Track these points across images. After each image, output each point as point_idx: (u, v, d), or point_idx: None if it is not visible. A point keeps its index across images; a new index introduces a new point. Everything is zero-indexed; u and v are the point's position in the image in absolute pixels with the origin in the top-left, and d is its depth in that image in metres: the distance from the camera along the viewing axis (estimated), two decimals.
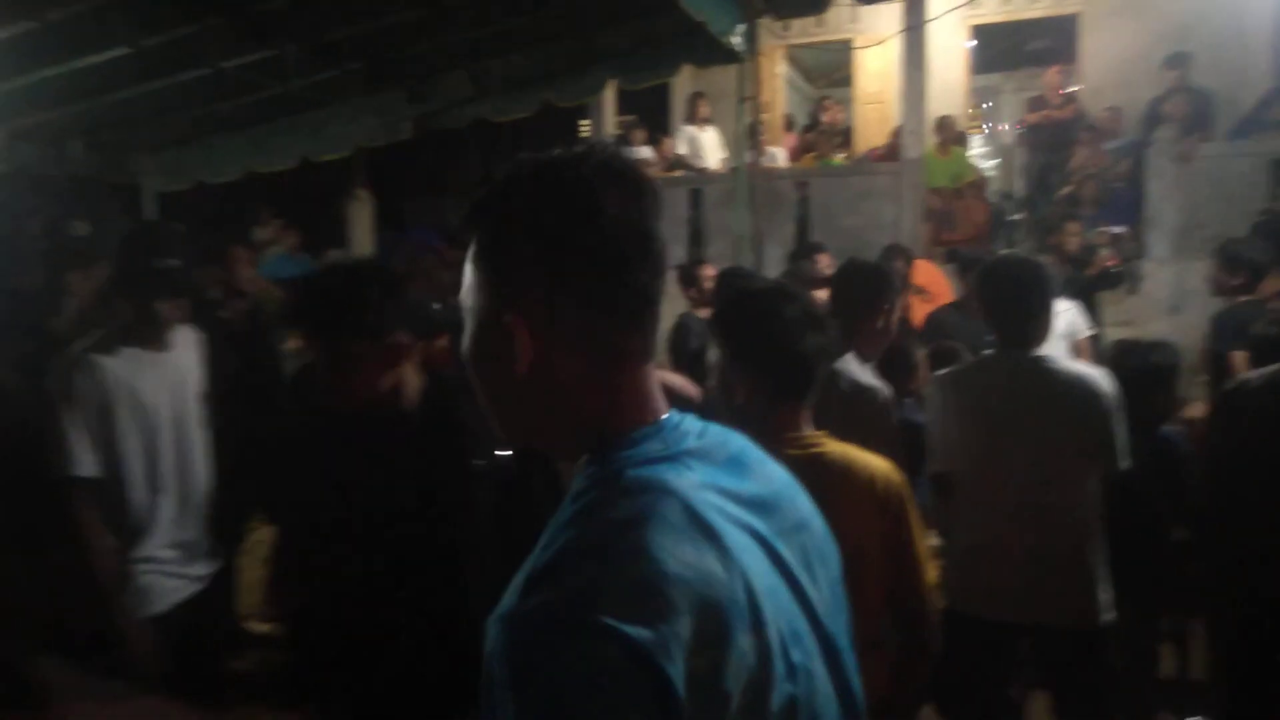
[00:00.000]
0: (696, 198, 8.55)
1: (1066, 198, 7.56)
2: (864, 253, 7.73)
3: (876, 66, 9.88)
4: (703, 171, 8.64)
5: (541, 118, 6.37)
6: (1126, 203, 7.35)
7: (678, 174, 9.10)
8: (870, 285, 2.76)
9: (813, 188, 8.22)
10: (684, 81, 9.31)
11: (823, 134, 8.39)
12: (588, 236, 0.82)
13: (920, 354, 3.42)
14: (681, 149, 8.95)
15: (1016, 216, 9.24)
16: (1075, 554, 2.40)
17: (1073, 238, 5.84)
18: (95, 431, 2.25)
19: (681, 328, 4.37)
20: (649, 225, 0.85)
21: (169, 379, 2.39)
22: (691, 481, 0.81)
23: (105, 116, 5.50)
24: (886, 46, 9.33)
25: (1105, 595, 2.43)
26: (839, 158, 8.72)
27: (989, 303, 2.60)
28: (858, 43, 9.89)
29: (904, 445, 2.42)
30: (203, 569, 2.49)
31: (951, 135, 8.23)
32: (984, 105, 12.70)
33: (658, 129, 9.63)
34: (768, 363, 1.76)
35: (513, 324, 0.83)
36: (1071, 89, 8.67)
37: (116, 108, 5.33)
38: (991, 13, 9.24)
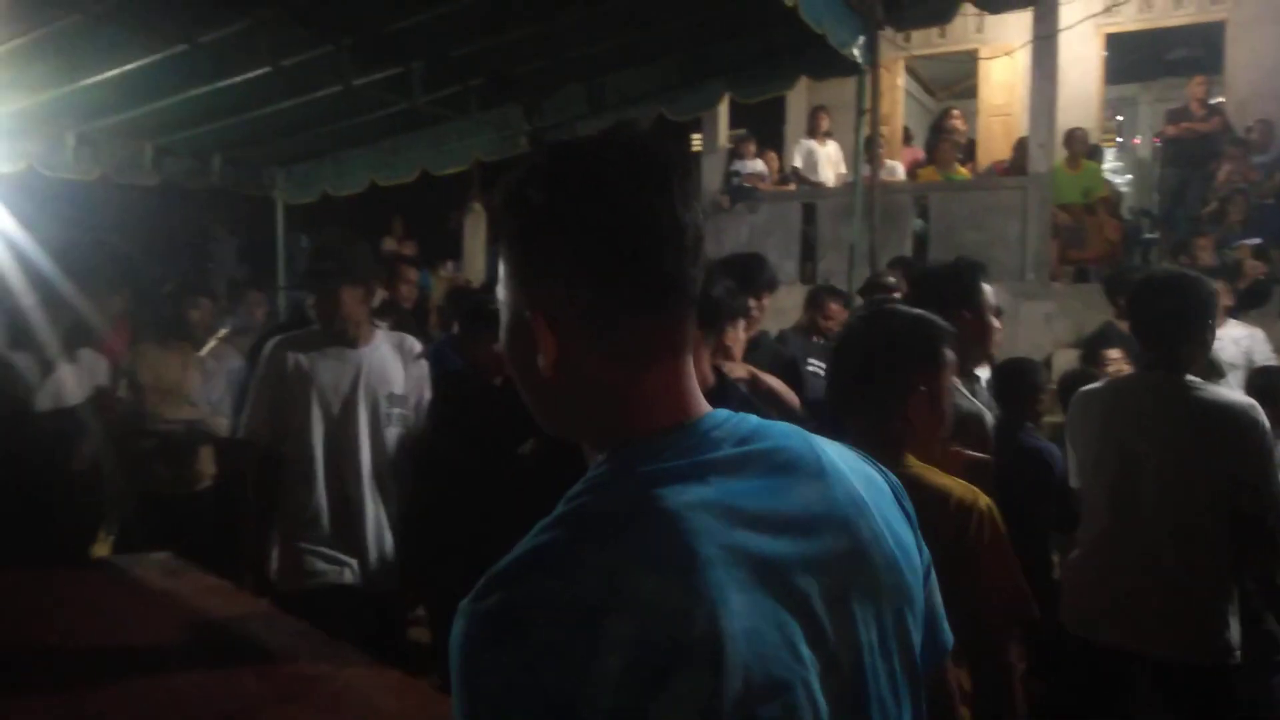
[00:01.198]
0: (810, 212, 8.41)
1: (1210, 215, 7.09)
2: (990, 272, 7.45)
3: (1002, 77, 9.53)
4: (818, 185, 8.51)
5: (653, 132, 6.38)
6: (1277, 220, 6.84)
7: (790, 188, 8.99)
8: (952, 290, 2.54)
9: (933, 202, 7.97)
10: (798, 95, 9.19)
11: (947, 140, 8.11)
12: (604, 224, 0.77)
13: (1044, 377, 3.28)
14: (797, 162, 8.82)
15: (1152, 235, 8.72)
16: (1205, 587, 2.27)
17: (1204, 252, 5.47)
18: (271, 407, 2.70)
19: (781, 339, 4.28)
20: (676, 211, 0.80)
21: (350, 372, 2.69)
22: (693, 500, 0.74)
23: (243, 133, 5.81)
24: (1014, 57, 9.00)
25: (1234, 633, 2.28)
26: (961, 171, 8.42)
27: (1138, 321, 2.46)
28: (983, 53, 9.56)
29: (1024, 472, 2.33)
30: (367, 555, 2.70)
31: (1083, 148, 7.85)
32: (1118, 117, 12.07)
33: (769, 142, 9.54)
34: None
35: (534, 320, 0.79)
36: (1216, 100, 8.13)
37: (254, 124, 5.63)
38: (1129, 20, 8.76)
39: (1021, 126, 8.67)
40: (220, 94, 4.89)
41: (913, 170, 8.75)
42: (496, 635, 0.69)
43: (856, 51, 5.28)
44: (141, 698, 1.80)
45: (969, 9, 6.56)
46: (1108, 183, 8.20)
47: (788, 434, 0.85)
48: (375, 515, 2.70)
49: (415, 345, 2.88)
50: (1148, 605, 2.27)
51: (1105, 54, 9.12)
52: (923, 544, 0.92)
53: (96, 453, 2.97)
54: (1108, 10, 8.23)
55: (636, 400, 0.80)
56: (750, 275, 3.08)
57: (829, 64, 5.47)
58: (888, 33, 5.90)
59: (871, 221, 6.10)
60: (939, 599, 0.96)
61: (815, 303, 4.45)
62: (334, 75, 4.87)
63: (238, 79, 4.70)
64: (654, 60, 5.84)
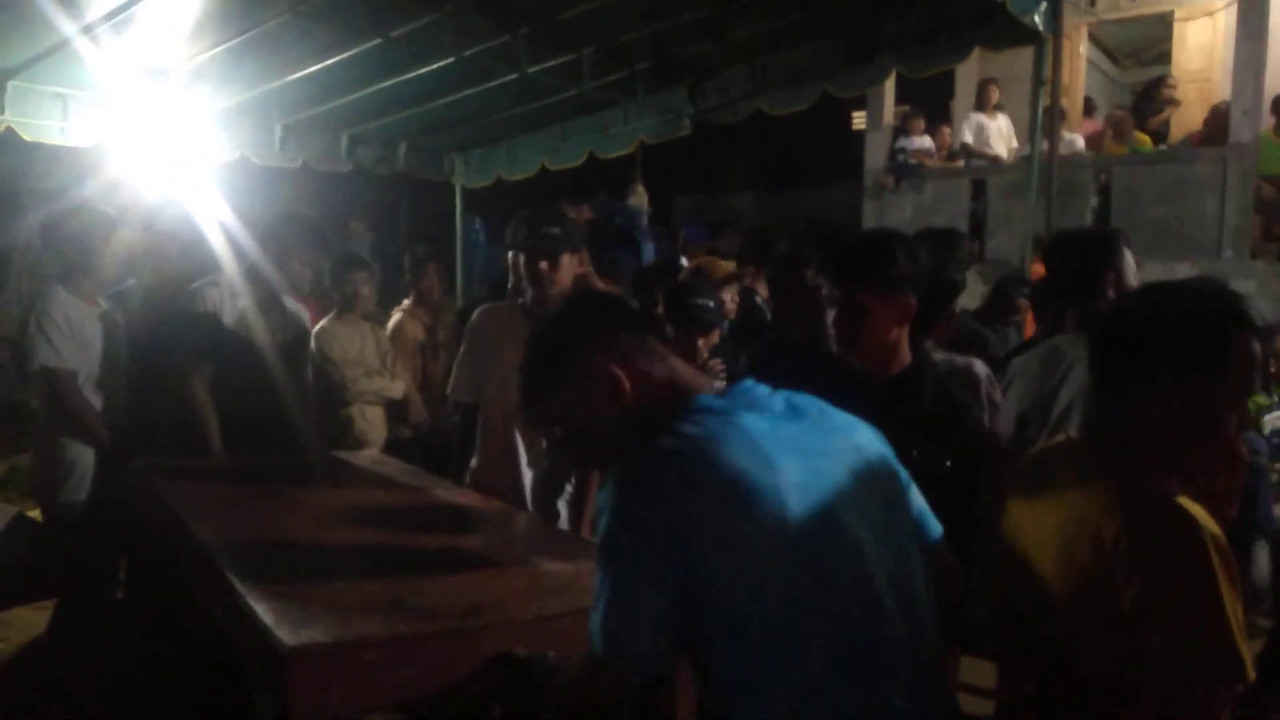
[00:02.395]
0: (980, 188, 8.08)
1: None
2: (1178, 249, 6.95)
3: (1200, 40, 8.80)
4: (995, 160, 8.15)
5: (812, 111, 6.30)
6: None
7: (959, 164, 8.66)
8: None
9: (1117, 177, 7.48)
10: (967, 68, 8.81)
11: (1154, 103, 7.53)
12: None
13: None
14: (966, 137, 8.48)
15: None
16: None
17: None
18: (472, 371, 3.00)
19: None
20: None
21: None
22: (750, 421, 1.24)
23: (426, 121, 6.18)
24: (1214, 17, 8.28)
25: None
26: (1143, 140, 7.85)
27: None
28: (1179, 15, 8.84)
29: None
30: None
31: None
32: None
33: (937, 117, 9.21)
34: None
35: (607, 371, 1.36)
36: None
37: (436, 113, 5.98)
38: None
39: (1220, 93, 7.98)
40: (407, 85, 5.24)
41: (1094, 143, 8.23)
42: (626, 494, 1.20)
43: (1037, 18, 5.03)
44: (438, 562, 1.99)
45: None
46: None
47: (792, 391, 1.35)
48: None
49: None
50: None
51: None
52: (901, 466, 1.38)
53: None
54: None
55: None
56: (949, 249, 3.01)
57: (1006, 33, 5.23)
58: None
59: (1049, 197, 5.80)
60: (921, 500, 1.40)
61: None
62: (509, 64, 5.11)
63: (424, 70, 5.02)
64: (819, 38, 5.77)
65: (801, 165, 13.71)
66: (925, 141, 8.72)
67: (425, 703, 1.50)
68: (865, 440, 1.32)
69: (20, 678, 3.46)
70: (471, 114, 6.14)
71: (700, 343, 2.75)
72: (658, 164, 9.89)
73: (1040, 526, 1.44)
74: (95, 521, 3.28)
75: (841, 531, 1.17)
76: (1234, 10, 7.27)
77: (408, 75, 5.09)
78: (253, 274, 3.48)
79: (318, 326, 4.33)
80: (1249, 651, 1.28)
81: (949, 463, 1.88)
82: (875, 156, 8.94)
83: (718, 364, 2.86)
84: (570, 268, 2.79)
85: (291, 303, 3.70)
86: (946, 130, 8.87)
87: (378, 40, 4.56)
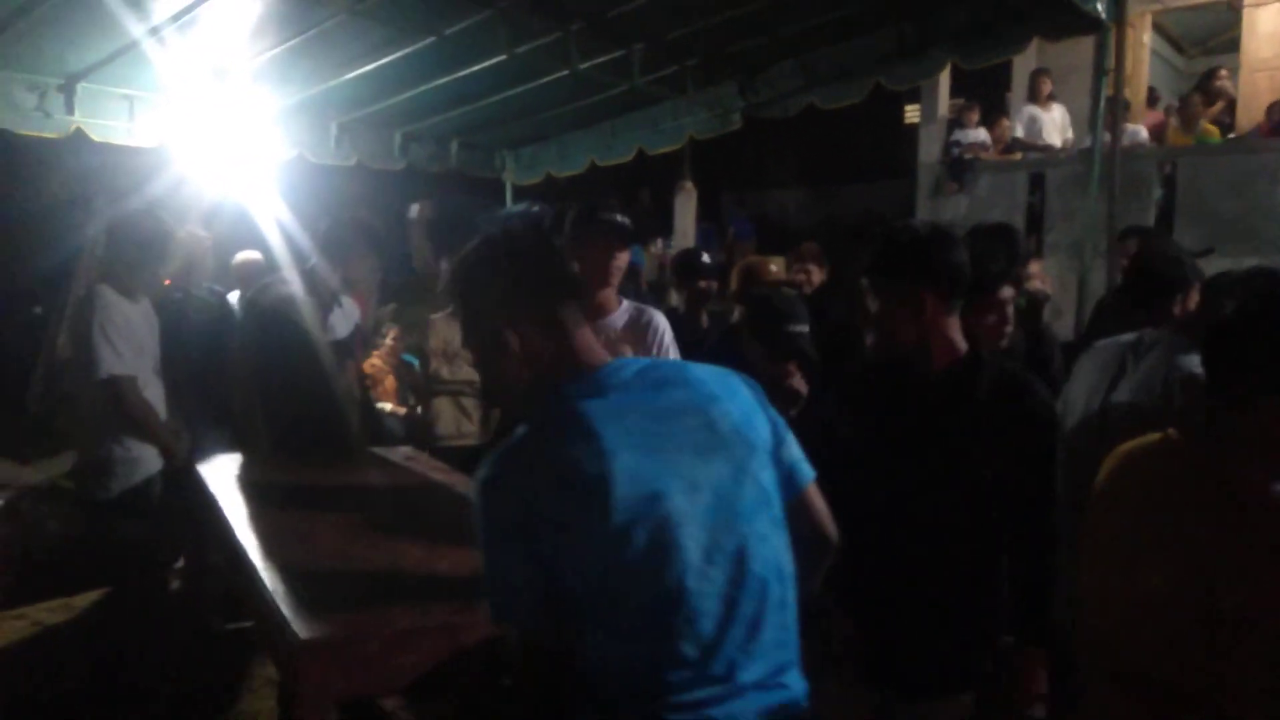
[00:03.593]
0: (1037, 181, 7.91)
1: None
2: (1246, 242, 6.72)
3: (1271, 27, 8.49)
4: (1047, 150, 7.97)
5: (863, 105, 6.22)
6: None
7: (1016, 156, 8.49)
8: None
9: (1182, 169, 7.26)
10: (1025, 58, 8.62)
11: (1192, 101, 7.35)
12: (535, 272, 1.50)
13: None
14: (1018, 131, 8.31)
15: None
16: None
17: None
18: None
19: None
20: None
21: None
22: (596, 404, 1.35)
23: (478, 119, 6.24)
24: None
25: None
26: (1210, 131, 7.60)
27: None
28: (1249, 1, 8.54)
29: None
30: None
31: None
32: None
33: (994, 109, 9.02)
34: None
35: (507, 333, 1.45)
36: None
37: (487, 111, 6.03)
38: None
39: None
40: (460, 83, 5.29)
41: (1157, 134, 8.00)
42: (484, 490, 1.32)
43: (1100, 6, 4.90)
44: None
45: None
46: None
47: (663, 364, 1.50)
48: None
49: (656, 319, 2.83)
50: None
51: None
52: (774, 420, 1.47)
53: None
54: None
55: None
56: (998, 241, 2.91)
57: (1067, 22, 5.11)
58: None
59: (1111, 190, 5.65)
60: (792, 445, 1.49)
61: None
62: (561, 60, 5.13)
63: (476, 68, 5.07)
64: (871, 30, 5.69)
65: (852, 161, 13.54)
66: (981, 134, 8.55)
67: (435, 679, 1.70)
68: (721, 412, 1.40)
69: (69, 662, 3.61)
70: (523, 111, 6.18)
71: (791, 367, 2.54)
72: (706, 160, 9.85)
73: (1134, 524, 1.41)
74: (153, 512, 3.39)
75: (665, 511, 1.30)
76: None
77: (460, 73, 5.15)
78: (312, 274, 3.55)
79: (429, 319, 4.46)
80: None
81: (1011, 457, 1.83)
82: (929, 150, 8.79)
83: (799, 382, 2.63)
84: (623, 261, 2.75)
85: (348, 302, 3.79)
86: (1005, 123, 8.69)
87: (431, 39, 4.61)
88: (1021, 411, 1.87)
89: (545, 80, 5.43)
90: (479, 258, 1.46)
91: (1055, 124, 8.24)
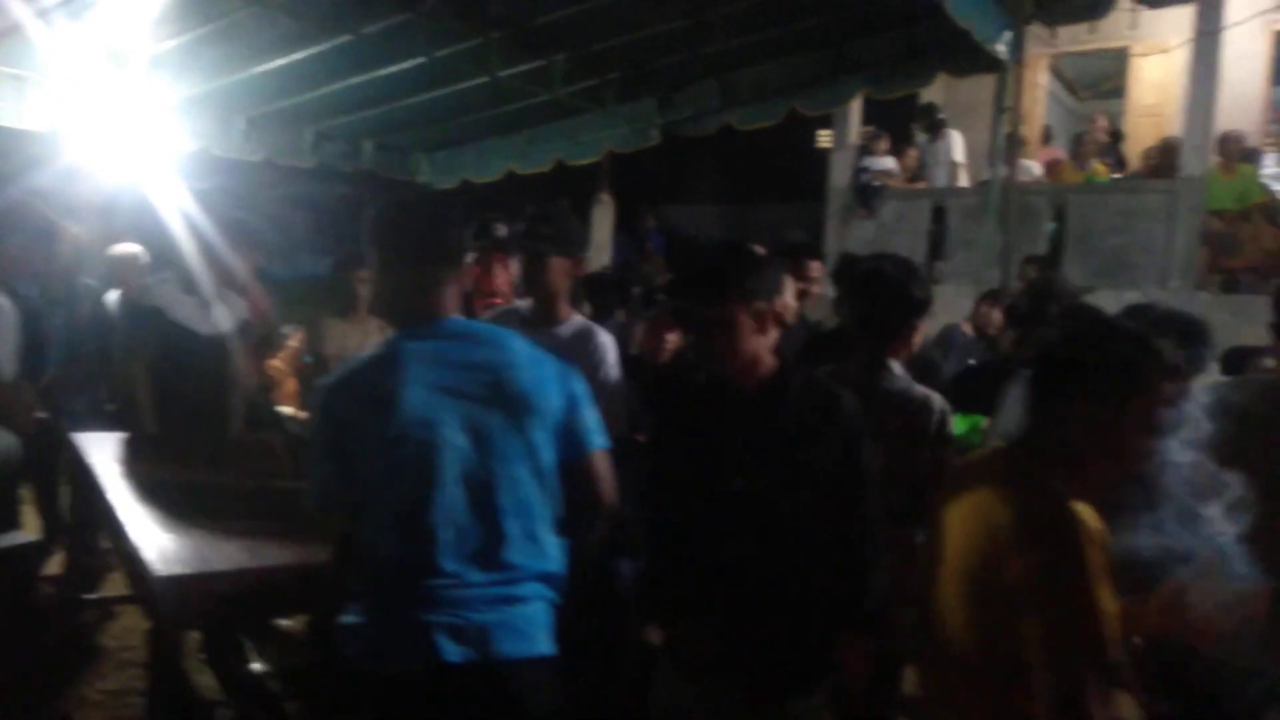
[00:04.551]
0: (940, 211, 8.24)
1: None
2: (1128, 277, 7.13)
3: (1155, 76, 9.08)
4: (955, 174, 8.30)
5: (779, 127, 6.39)
6: None
7: (921, 185, 8.82)
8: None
9: (1072, 204, 7.68)
10: (933, 91, 8.99)
11: (1088, 145, 7.82)
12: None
13: None
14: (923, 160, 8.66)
15: None
16: None
17: None
18: None
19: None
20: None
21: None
22: (414, 345, 1.71)
23: (394, 120, 6.14)
24: (1169, 55, 8.55)
25: None
26: (1100, 170, 8.06)
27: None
28: (1135, 50, 9.11)
29: None
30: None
31: (1238, 152, 7.38)
32: None
33: (902, 139, 9.36)
34: None
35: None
36: None
37: (404, 112, 5.94)
38: None
39: (1173, 128, 8.24)
40: (377, 83, 5.20)
41: (1050, 170, 8.44)
42: (314, 396, 1.74)
43: (1001, 47, 5.16)
44: None
45: (1125, 3, 6.27)
46: (1266, 189, 7.67)
47: (492, 331, 1.85)
48: None
49: (600, 337, 2.79)
50: None
51: (1273, 53, 8.53)
52: (571, 390, 1.80)
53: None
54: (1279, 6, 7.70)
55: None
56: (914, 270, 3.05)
57: (972, 60, 5.36)
58: (1035, 28, 5.73)
59: (1007, 222, 5.93)
60: (584, 420, 1.80)
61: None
62: (481, 67, 5.10)
63: (394, 69, 4.99)
64: (789, 55, 5.85)
65: (767, 181, 13.83)
66: (888, 162, 8.85)
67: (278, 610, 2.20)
68: (513, 377, 1.74)
69: None
70: (440, 115, 6.12)
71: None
72: (625, 174, 9.92)
73: (951, 523, 1.58)
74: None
75: (432, 437, 1.65)
76: (1188, 49, 7.52)
77: (377, 73, 5.06)
78: (198, 268, 3.46)
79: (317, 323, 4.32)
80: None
81: (824, 460, 1.93)
82: (840, 175, 9.05)
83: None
84: (560, 272, 2.69)
85: (230, 296, 3.69)
86: (912, 152, 9.03)
87: (348, 37, 4.52)
88: (829, 418, 1.96)
89: (465, 85, 5.39)
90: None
91: (948, 156, 8.59)
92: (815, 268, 3.45)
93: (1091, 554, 1.41)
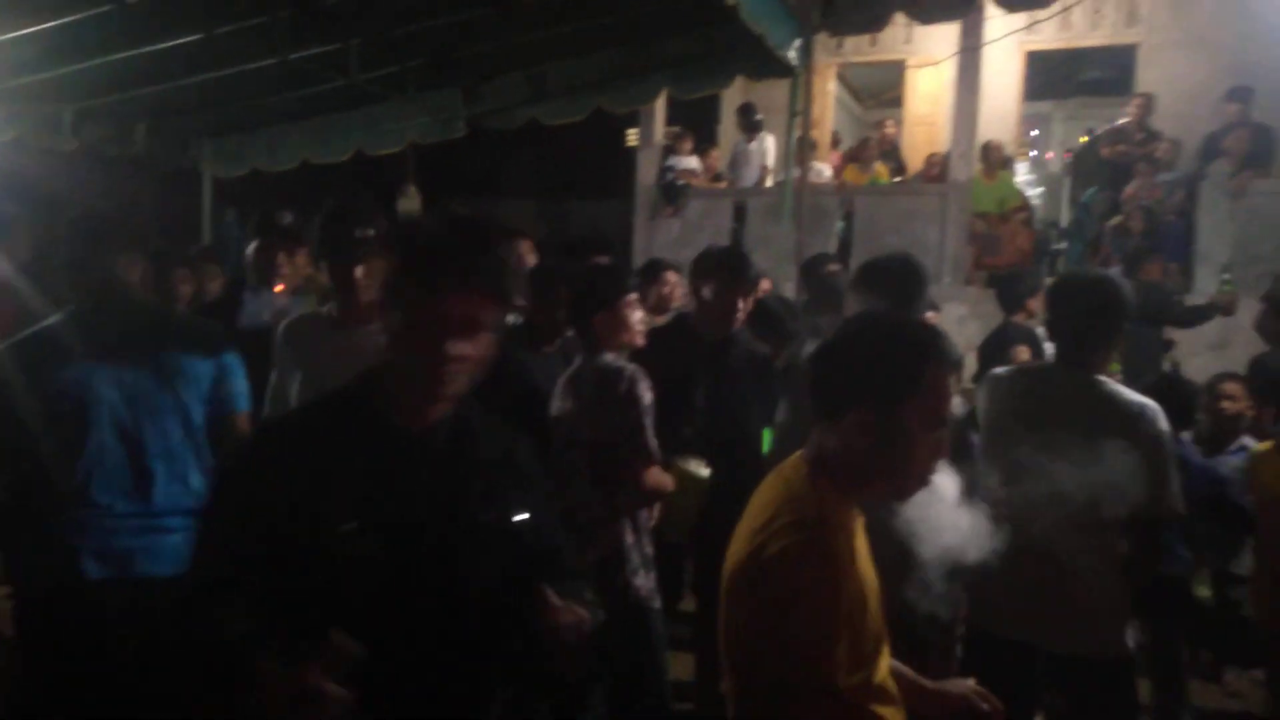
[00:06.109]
0: (741, 210, 8.59)
1: (1115, 228, 7.49)
2: None
3: (928, 88, 9.88)
4: (765, 175, 8.66)
5: (588, 124, 6.43)
6: (1177, 236, 7.27)
7: (723, 185, 9.15)
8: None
9: (859, 206, 8.22)
10: (733, 93, 9.35)
11: (868, 148, 8.42)
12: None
13: None
14: (729, 161, 8.98)
15: (1060, 245, 9.17)
16: (1101, 581, 2.31)
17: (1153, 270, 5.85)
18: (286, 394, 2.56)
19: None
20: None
21: (352, 352, 2.19)
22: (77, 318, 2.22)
23: (170, 101, 5.64)
24: (939, 68, 9.33)
25: (1128, 627, 2.40)
26: (881, 172, 8.70)
27: (1054, 319, 2.55)
28: (910, 63, 9.88)
29: None
30: None
31: (998, 160, 8.18)
32: (1033, 132, 12.60)
33: (705, 139, 9.68)
34: None
35: None
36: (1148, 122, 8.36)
37: (182, 93, 5.47)
38: (1049, 39, 9.18)
39: (945, 136, 9.00)
40: (147, 59, 4.74)
41: (838, 173, 9.00)
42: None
43: (792, 54, 5.43)
44: None
45: (901, 19, 6.78)
46: (1021, 194, 8.57)
47: (175, 315, 3.16)
48: None
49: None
50: (1047, 598, 2.28)
51: (1024, 70, 9.53)
52: (223, 366, 2.34)
53: None
54: (1029, 28, 8.59)
55: None
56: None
57: (767, 64, 5.60)
58: (822, 38, 6.08)
59: (800, 222, 6.26)
60: (231, 390, 2.34)
61: None
62: (268, 47, 4.78)
63: (166, 44, 4.58)
64: (596, 52, 5.89)
65: (581, 177, 13.90)
66: (692, 162, 9.12)
67: None
68: (168, 349, 2.24)
69: None
70: (224, 97, 5.69)
71: None
72: (434, 166, 9.65)
73: (736, 533, 1.52)
74: None
75: (88, 394, 2.09)
76: (955, 62, 8.23)
77: (146, 49, 4.62)
78: None
79: None
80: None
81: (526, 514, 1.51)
82: (646, 174, 9.24)
83: None
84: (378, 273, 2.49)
85: None
86: (715, 153, 9.35)
87: (109, 7, 4.09)
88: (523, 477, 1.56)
89: (251, 67, 5.03)
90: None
91: (756, 155, 8.98)
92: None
93: (836, 594, 1.35)
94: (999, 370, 2.66)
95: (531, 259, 3.39)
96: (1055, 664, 2.40)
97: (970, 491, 1.70)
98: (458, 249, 1.38)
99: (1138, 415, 2.32)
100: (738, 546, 1.48)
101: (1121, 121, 8.14)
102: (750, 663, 1.43)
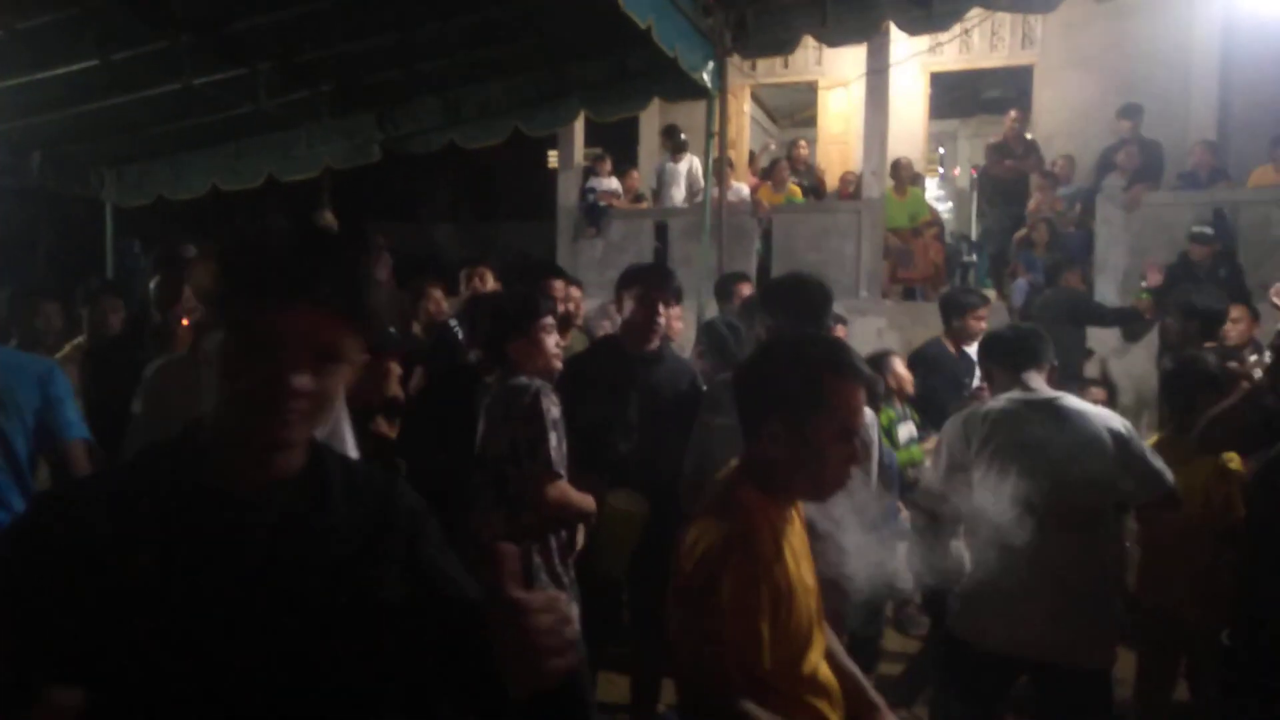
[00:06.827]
0: (662, 229, 8.66)
1: (1021, 240, 7.79)
2: None
3: (839, 108, 10.14)
4: (689, 198, 8.74)
5: (510, 147, 6.42)
6: (1077, 246, 7.59)
7: (643, 205, 9.22)
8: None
9: (777, 224, 8.37)
10: (652, 115, 9.44)
11: (780, 168, 8.60)
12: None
13: None
14: (652, 182, 9.06)
15: (970, 258, 9.49)
16: (1091, 593, 2.41)
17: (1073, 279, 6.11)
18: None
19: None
20: None
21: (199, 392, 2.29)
22: None
23: (68, 129, 5.44)
24: (849, 89, 9.60)
25: (1115, 635, 2.50)
26: (794, 191, 8.89)
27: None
28: (822, 84, 10.14)
29: None
30: None
31: (908, 176, 8.44)
32: (939, 150, 13.06)
33: (625, 161, 9.74)
34: None
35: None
36: (1029, 137, 8.87)
37: (80, 120, 5.28)
38: (950, 61, 9.54)
39: (857, 155, 9.25)
40: (40, 86, 4.58)
41: (755, 192, 9.17)
42: None
43: (706, 76, 5.52)
44: None
45: (810, 41, 6.96)
46: (931, 209, 8.85)
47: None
48: None
49: None
50: (1035, 611, 2.36)
51: (930, 90, 9.88)
52: (48, 398, 2.41)
53: None
54: (932, 50, 8.91)
55: None
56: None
57: (681, 86, 5.68)
58: (735, 60, 6.19)
59: (719, 240, 6.35)
60: (61, 415, 2.42)
61: None
62: (170, 73, 4.65)
63: (60, 71, 4.42)
64: (511, 76, 5.89)
65: (503, 200, 13.84)
66: (613, 183, 9.17)
67: None
68: (3, 378, 2.35)
69: None
70: (125, 124, 5.50)
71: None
72: (352, 191, 9.49)
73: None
74: None
75: None
76: (864, 83, 8.48)
77: (40, 76, 4.45)
78: None
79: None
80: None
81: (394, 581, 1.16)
82: (568, 195, 9.25)
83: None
84: None
85: None
86: (635, 174, 9.43)
87: None
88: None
89: (153, 93, 4.88)
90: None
91: (683, 176, 9.08)
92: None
93: (757, 592, 1.45)
94: (974, 410, 2.67)
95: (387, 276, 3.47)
96: (1040, 674, 2.48)
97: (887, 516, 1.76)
98: (295, 253, 1.07)
99: (1113, 425, 2.49)
100: (677, 562, 1.57)
101: (994, 140, 8.57)
102: (690, 661, 1.51)
